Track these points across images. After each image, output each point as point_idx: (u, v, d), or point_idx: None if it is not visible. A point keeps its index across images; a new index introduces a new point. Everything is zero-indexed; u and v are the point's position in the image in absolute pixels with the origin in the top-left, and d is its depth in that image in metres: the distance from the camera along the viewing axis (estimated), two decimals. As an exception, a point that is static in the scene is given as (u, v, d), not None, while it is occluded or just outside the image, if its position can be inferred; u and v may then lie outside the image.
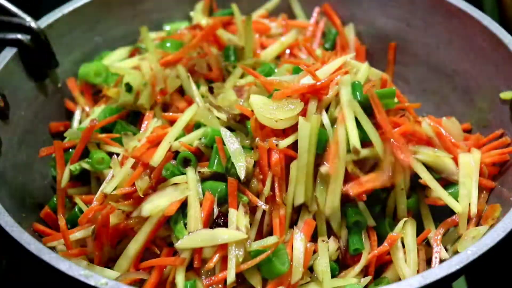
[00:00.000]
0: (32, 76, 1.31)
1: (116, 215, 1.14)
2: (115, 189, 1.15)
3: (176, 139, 1.19)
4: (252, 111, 1.16)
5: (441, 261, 1.13)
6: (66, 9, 1.36)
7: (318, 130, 1.12)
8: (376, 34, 1.49)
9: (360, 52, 1.48)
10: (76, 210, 1.22)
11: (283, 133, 1.14)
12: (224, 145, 1.15)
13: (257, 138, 1.14)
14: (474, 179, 1.18)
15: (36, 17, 1.31)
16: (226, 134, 1.16)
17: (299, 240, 1.10)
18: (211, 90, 1.25)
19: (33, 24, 1.28)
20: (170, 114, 1.27)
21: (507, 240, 1.00)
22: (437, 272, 0.95)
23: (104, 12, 1.43)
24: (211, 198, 1.12)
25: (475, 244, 1.00)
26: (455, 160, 1.20)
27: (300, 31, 1.47)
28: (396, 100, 1.20)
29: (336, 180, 1.12)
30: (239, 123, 1.20)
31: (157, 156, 1.15)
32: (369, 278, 1.13)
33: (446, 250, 1.17)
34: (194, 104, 1.25)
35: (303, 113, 1.13)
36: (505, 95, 1.26)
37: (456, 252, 1.13)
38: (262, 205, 1.12)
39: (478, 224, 1.17)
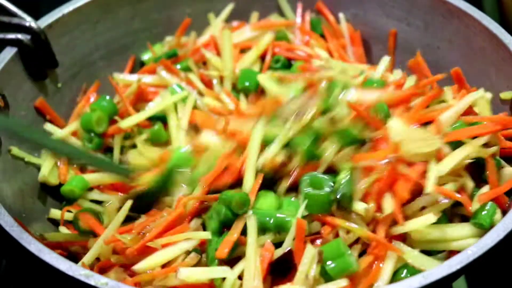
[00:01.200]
0: (32, 76, 1.31)
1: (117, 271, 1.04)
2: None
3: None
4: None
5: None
6: (66, 9, 1.36)
7: None
8: (376, 34, 1.49)
9: (355, 38, 1.48)
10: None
11: None
12: None
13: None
14: None
15: (36, 17, 1.30)
16: None
17: None
18: None
19: (33, 24, 1.28)
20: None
21: (507, 240, 1.00)
22: (437, 272, 0.95)
23: (104, 12, 1.42)
24: (271, 250, 0.97)
25: (475, 244, 0.99)
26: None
27: (287, 28, 1.46)
28: None
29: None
30: None
31: (248, 183, 1.00)
32: None
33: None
34: None
35: None
36: (505, 95, 1.26)
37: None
38: None
39: (478, 224, 1.16)
